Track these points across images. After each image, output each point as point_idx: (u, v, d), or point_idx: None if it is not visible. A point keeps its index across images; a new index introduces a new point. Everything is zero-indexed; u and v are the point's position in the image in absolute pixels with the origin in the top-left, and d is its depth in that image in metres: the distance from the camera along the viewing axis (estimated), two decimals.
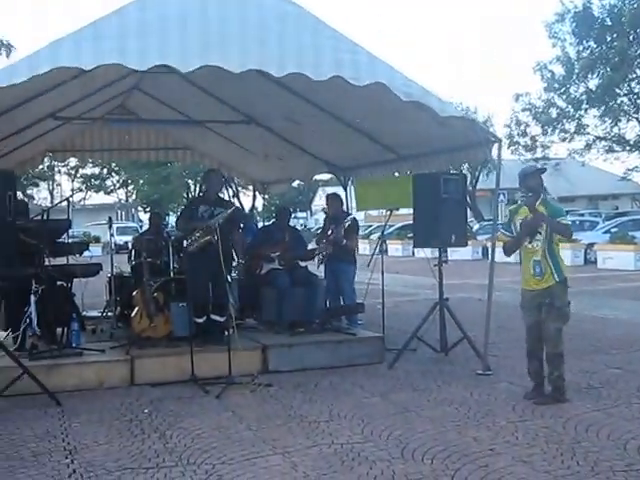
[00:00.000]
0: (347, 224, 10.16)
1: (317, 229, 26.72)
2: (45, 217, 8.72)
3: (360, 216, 55.27)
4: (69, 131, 13.31)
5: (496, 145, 8.64)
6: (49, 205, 10.50)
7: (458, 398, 7.45)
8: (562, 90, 33.78)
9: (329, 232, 10.47)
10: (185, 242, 8.95)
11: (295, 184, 15.55)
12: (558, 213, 7.36)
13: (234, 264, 10.22)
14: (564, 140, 35.75)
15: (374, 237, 35.18)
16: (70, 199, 10.60)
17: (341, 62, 7.27)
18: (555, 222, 7.18)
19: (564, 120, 34.58)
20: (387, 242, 37.95)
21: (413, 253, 30.18)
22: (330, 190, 14.18)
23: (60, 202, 9.83)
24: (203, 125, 12.29)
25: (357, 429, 6.49)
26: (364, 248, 32.63)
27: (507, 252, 7.64)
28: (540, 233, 7.19)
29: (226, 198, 9.97)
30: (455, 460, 5.61)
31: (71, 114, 11.08)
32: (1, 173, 7.25)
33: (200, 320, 9.00)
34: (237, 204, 34.74)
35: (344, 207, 11.71)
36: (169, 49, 6.85)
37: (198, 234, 8.77)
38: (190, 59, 6.85)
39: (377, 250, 10.24)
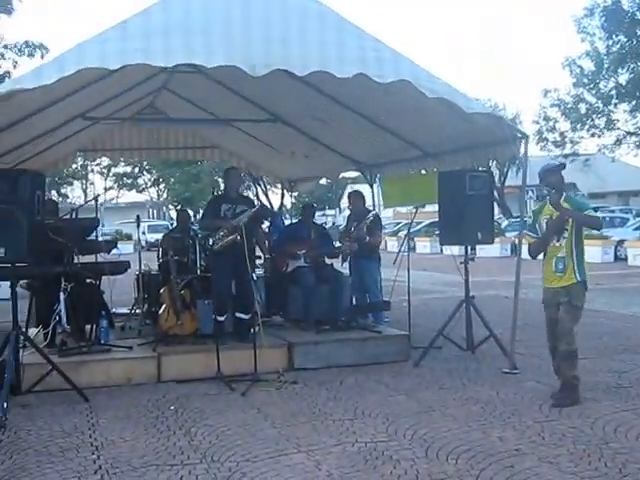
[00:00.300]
0: (369, 220, 10.16)
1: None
2: (74, 216, 8.81)
3: (389, 213, 55.18)
4: (99, 131, 13.42)
5: (523, 141, 8.59)
6: (82, 203, 10.68)
7: (484, 397, 7.42)
8: (591, 85, 33.42)
9: (352, 229, 10.49)
10: (210, 241, 9.01)
11: (324, 181, 15.58)
12: (583, 207, 7.29)
13: (260, 261, 10.25)
14: (593, 136, 35.40)
15: (402, 234, 35.06)
16: (98, 198, 10.68)
17: (365, 59, 7.26)
18: (582, 215, 7.12)
19: (594, 115, 34.22)
20: (415, 239, 37.88)
21: (441, 250, 30.04)
22: (358, 187, 14.17)
23: (89, 201, 9.90)
24: (230, 124, 12.32)
25: (381, 427, 6.49)
26: (392, 245, 32.62)
27: (533, 253, 7.51)
28: (567, 230, 7.13)
29: (246, 195, 10.00)
30: (480, 460, 5.59)
31: (101, 114, 11.17)
32: (29, 173, 7.30)
33: (221, 318, 9.04)
34: (265, 202, 34.55)
35: (368, 204, 11.70)
36: (193, 49, 6.88)
37: (222, 233, 8.82)
38: (214, 58, 6.89)
39: (403, 247, 10.22)
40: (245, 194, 9.98)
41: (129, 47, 6.73)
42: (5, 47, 15.03)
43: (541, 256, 7.47)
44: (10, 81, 6.98)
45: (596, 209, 38.49)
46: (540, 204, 7.54)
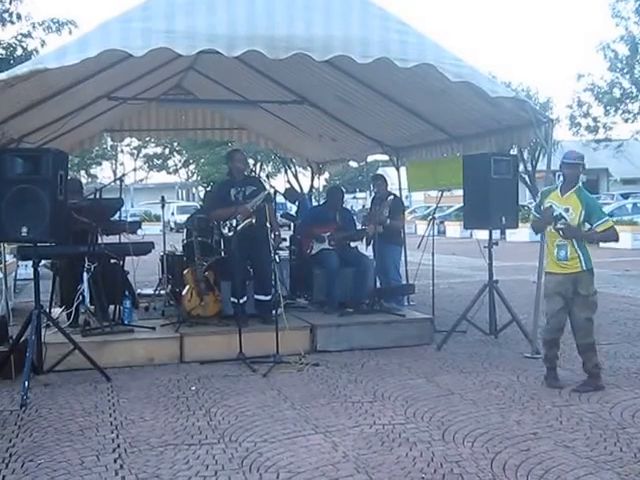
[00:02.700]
0: (387, 203, 10.19)
1: None
2: (98, 196, 8.86)
3: (420, 197, 54.78)
4: (126, 111, 13.46)
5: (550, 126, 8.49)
6: (111, 184, 10.63)
7: (504, 381, 7.39)
8: (626, 70, 32.89)
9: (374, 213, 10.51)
10: (226, 228, 8.99)
11: (355, 164, 15.53)
12: (595, 213, 6.99)
13: (286, 243, 10.21)
14: (627, 121, 34.88)
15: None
16: (125, 178, 10.73)
17: (388, 42, 7.19)
18: (599, 236, 7.02)
19: (627, 100, 33.70)
20: (445, 223, 37.71)
21: (471, 234, 29.87)
22: (389, 170, 14.12)
23: (113, 181, 9.95)
24: (257, 105, 12.31)
25: (400, 410, 6.49)
26: (422, 228, 32.51)
27: (535, 231, 7.63)
28: (565, 219, 6.93)
29: (252, 175, 9.98)
30: (496, 443, 5.57)
31: (127, 94, 11.21)
32: (52, 153, 7.34)
33: (239, 300, 9.06)
34: (295, 184, 34.45)
35: (395, 187, 11.67)
36: (216, 31, 6.85)
37: (238, 218, 8.80)
38: (236, 43, 6.87)
39: (428, 231, 10.18)
40: (250, 174, 9.88)
41: (153, 28, 6.71)
42: (32, 25, 14.98)
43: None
44: (32, 60, 7.00)
45: (627, 195, 38.08)
46: (550, 187, 7.41)
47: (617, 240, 7.16)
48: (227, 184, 9.53)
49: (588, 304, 7.02)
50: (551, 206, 7.05)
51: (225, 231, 9.00)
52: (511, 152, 13.88)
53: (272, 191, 9.20)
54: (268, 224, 8.21)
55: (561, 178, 7.28)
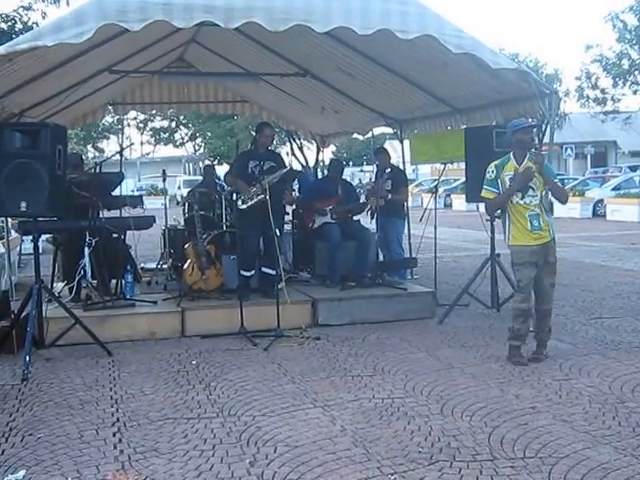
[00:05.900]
0: (386, 176, 10.17)
1: None
2: (98, 170, 8.84)
3: (426, 170, 54.56)
4: (129, 84, 13.41)
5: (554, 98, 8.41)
6: (118, 158, 10.57)
7: (505, 355, 7.33)
8: (634, 41, 32.64)
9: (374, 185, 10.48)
10: (240, 201, 8.93)
11: (362, 137, 15.37)
12: (549, 171, 7.02)
13: (287, 218, 10.18)
14: (635, 93, 34.67)
15: (440, 191, 34.76)
16: (126, 151, 10.70)
17: (389, 13, 7.09)
18: (555, 184, 6.96)
19: (636, 72, 33.49)
20: (452, 196, 37.64)
21: (477, 207, 29.73)
22: (397, 143, 14.00)
23: (113, 155, 9.91)
24: (259, 78, 12.23)
25: (399, 384, 6.49)
26: (427, 202, 32.42)
27: (491, 209, 7.49)
28: (533, 189, 6.92)
29: (275, 151, 9.89)
30: (494, 418, 5.57)
31: (129, 67, 11.13)
32: (50, 127, 7.31)
33: (248, 274, 9.08)
34: (300, 157, 34.41)
35: (399, 160, 11.62)
36: (213, 2, 6.75)
37: (252, 192, 8.76)
38: (234, 15, 6.78)
39: (429, 204, 10.14)
40: (275, 150, 9.79)
41: (149, 1, 6.59)
42: None
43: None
44: (31, 34, 6.94)
45: (635, 168, 37.91)
46: (502, 159, 7.25)
47: (564, 202, 7.28)
48: (247, 155, 9.49)
49: (554, 271, 7.14)
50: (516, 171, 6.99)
51: (239, 203, 8.94)
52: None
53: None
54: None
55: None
